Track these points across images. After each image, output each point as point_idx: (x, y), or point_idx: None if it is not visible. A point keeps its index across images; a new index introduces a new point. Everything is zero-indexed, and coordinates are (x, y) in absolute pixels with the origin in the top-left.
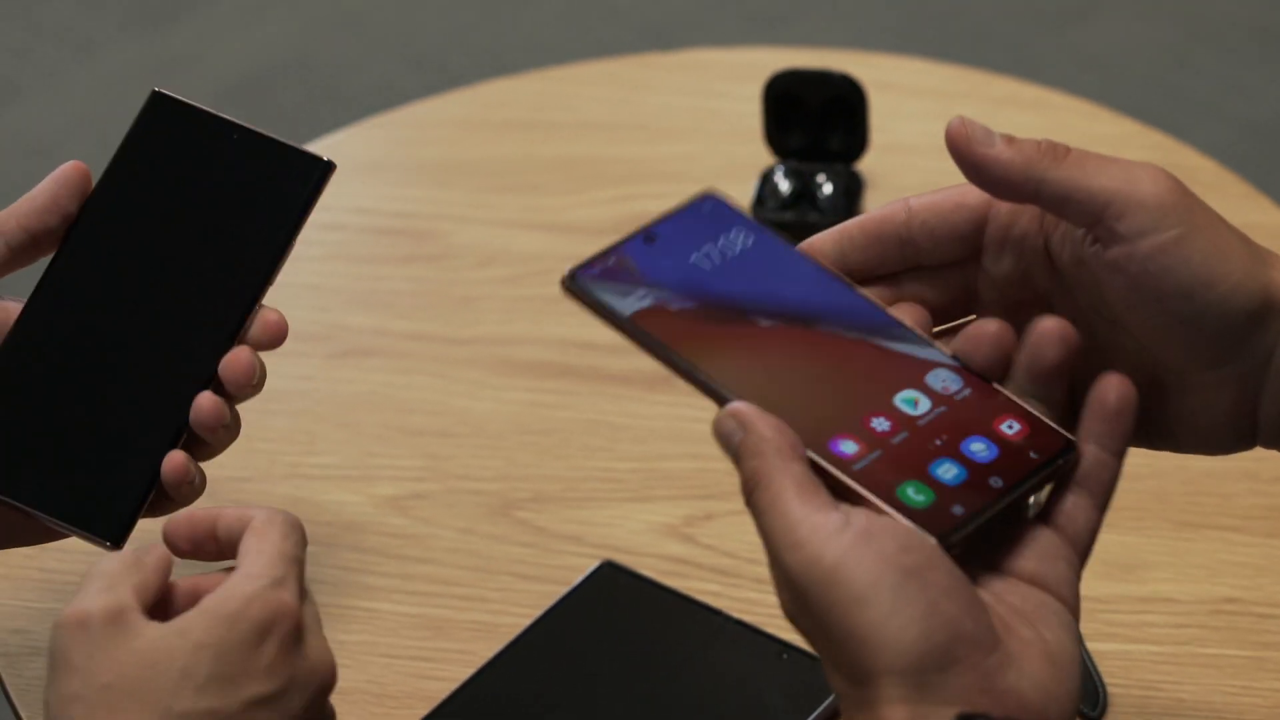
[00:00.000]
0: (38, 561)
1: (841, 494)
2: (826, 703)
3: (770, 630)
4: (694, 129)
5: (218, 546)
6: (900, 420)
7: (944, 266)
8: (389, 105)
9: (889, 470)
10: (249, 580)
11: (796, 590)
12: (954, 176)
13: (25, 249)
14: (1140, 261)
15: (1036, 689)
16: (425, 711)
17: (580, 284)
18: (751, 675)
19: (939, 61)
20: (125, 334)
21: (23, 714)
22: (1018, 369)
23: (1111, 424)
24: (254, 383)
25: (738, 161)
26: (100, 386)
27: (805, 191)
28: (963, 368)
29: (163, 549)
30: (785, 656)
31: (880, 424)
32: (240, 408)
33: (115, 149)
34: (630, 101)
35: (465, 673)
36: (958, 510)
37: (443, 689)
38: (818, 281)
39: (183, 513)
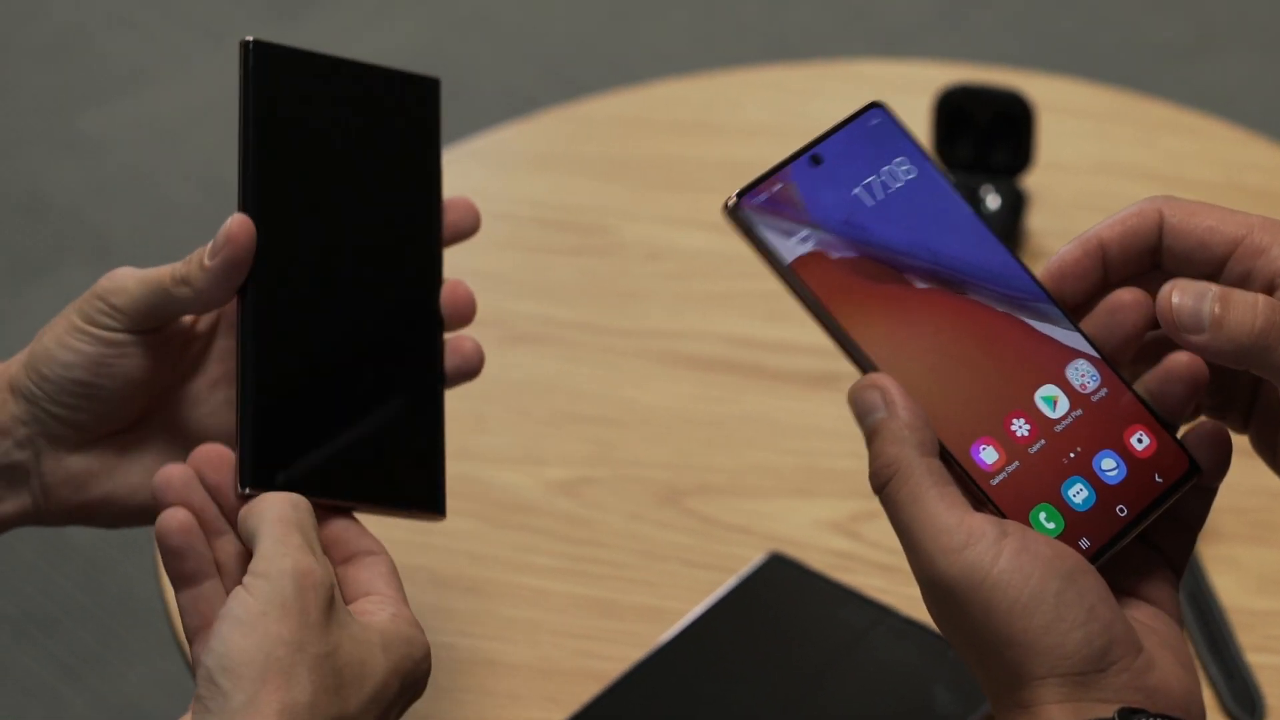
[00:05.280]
0: None
1: (974, 499)
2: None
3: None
4: None
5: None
6: (1039, 424)
7: None
8: (512, 108)
9: (1025, 487)
10: (419, 638)
11: (954, 594)
12: (1112, 193)
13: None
14: None
15: (1179, 686)
16: (594, 689)
17: (744, 214)
18: (919, 671)
19: (1097, 83)
20: (349, 307)
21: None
22: (1144, 388)
23: (1209, 458)
24: (473, 310)
25: None
26: (353, 364)
27: (971, 204)
28: (1101, 359)
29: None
30: (953, 653)
31: (1020, 427)
32: None
33: (242, 111)
34: (796, 108)
35: (633, 653)
36: (1085, 544)
37: (610, 668)
38: (971, 232)
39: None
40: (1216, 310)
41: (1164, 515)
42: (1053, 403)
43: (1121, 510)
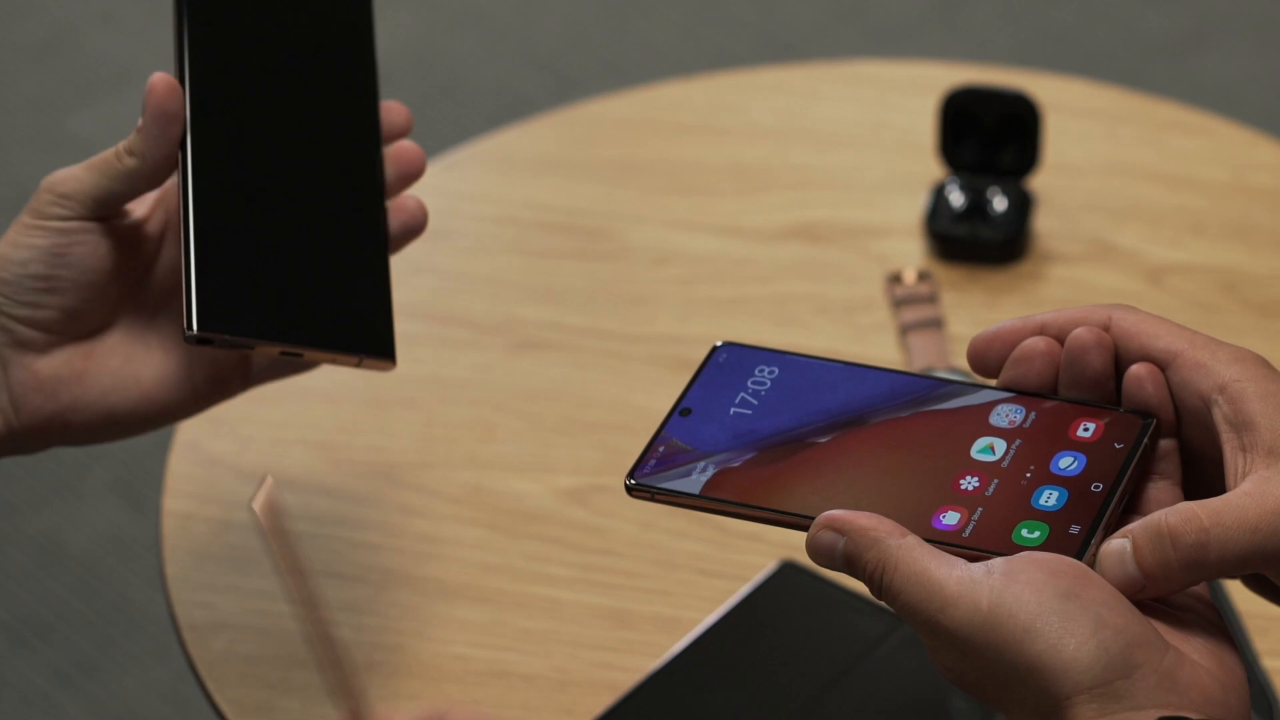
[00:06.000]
0: (223, 537)
1: (960, 557)
2: None
3: None
4: (863, 140)
5: None
6: (986, 471)
7: None
8: (504, 105)
9: (997, 522)
10: None
11: (962, 645)
12: (1119, 194)
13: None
14: None
15: (1213, 680)
16: (609, 700)
17: (643, 485)
18: (933, 679)
19: (1103, 83)
20: (290, 167)
21: (209, 685)
22: (1063, 386)
23: (1155, 401)
24: (421, 165)
25: (906, 174)
26: (296, 219)
27: (978, 206)
28: (1019, 395)
29: None
30: None
31: (970, 482)
32: (420, 396)
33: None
34: (800, 110)
35: (648, 663)
36: (1075, 529)
37: (626, 679)
38: (850, 377)
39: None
40: (1137, 573)
41: (1146, 480)
42: (990, 449)
43: (1096, 487)
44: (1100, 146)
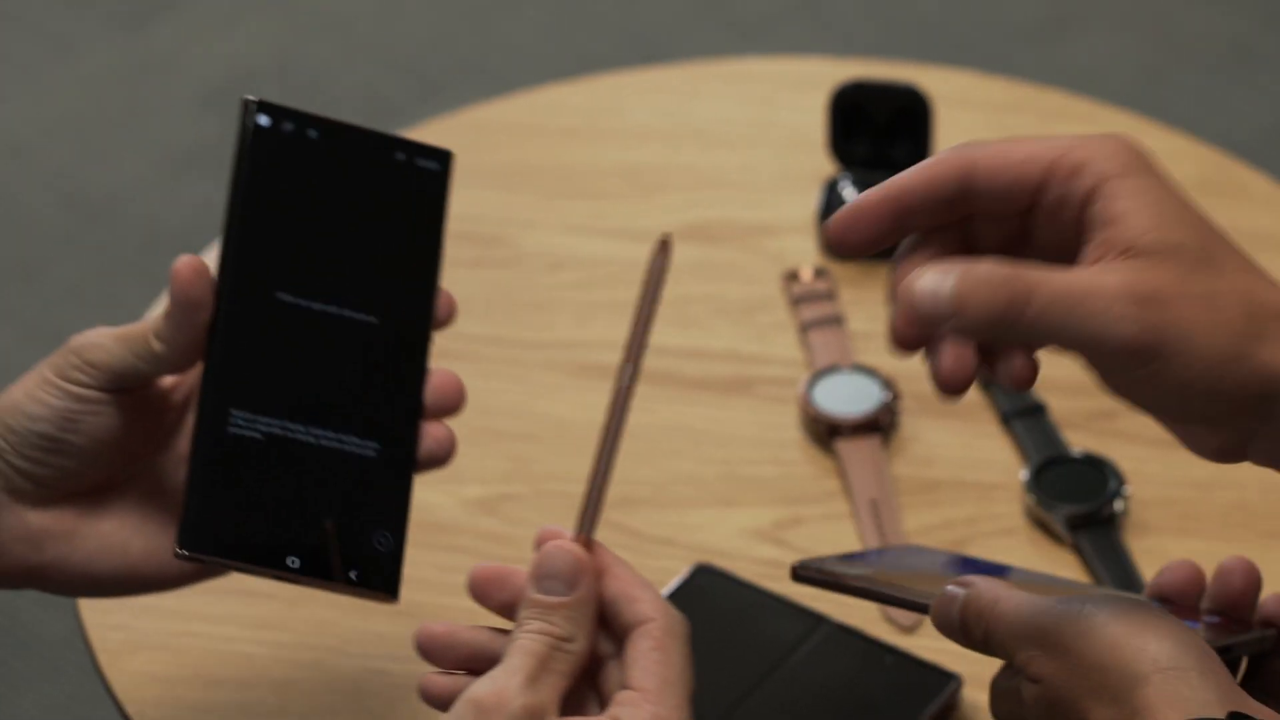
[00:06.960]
0: None
1: None
2: (935, 702)
3: (873, 636)
4: (752, 138)
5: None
6: None
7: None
8: (368, 111)
9: None
10: None
11: (1054, 639)
12: None
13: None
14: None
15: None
16: None
17: (809, 570)
18: (857, 678)
19: (991, 74)
20: (324, 378)
21: (128, 708)
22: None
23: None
24: (462, 400)
25: (798, 171)
26: (319, 436)
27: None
28: None
29: (583, 645)
30: (890, 660)
31: None
32: None
33: (235, 170)
34: (685, 110)
35: None
36: None
37: None
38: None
39: (495, 568)
40: (949, 295)
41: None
42: None
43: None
44: (990, 137)
